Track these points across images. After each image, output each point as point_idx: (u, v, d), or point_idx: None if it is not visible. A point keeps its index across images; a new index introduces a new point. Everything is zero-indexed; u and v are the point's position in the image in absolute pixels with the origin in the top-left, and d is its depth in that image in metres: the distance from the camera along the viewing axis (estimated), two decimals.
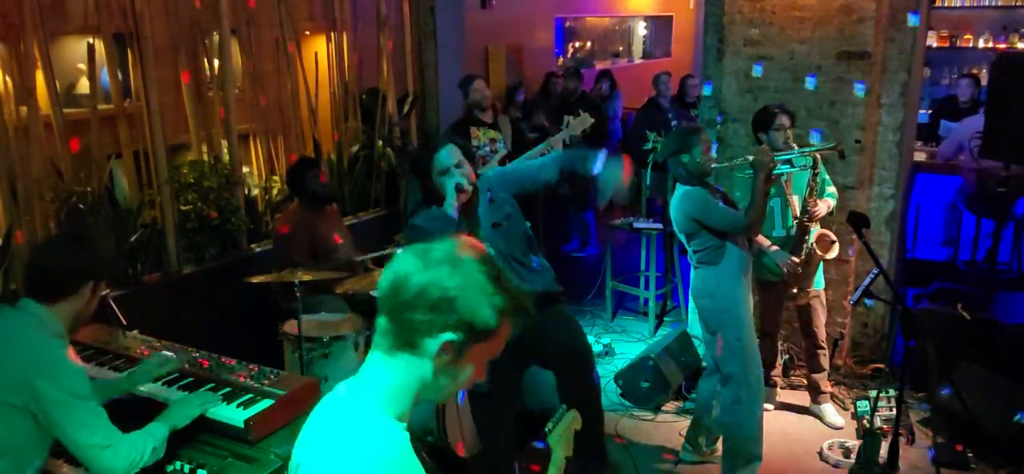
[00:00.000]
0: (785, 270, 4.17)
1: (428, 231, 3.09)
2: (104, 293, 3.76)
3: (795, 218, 4.19)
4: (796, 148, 4.17)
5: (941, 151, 6.63)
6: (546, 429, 2.19)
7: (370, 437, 1.36)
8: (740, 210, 3.77)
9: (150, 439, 2.46)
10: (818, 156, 4.07)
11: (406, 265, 1.37)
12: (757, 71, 4.92)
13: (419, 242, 1.43)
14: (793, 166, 4.10)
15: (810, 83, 4.79)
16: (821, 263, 4.31)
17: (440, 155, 3.20)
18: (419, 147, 3.44)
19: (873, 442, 3.76)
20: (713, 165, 3.78)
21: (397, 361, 1.40)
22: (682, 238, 3.86)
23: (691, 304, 5.52)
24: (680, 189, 3.78)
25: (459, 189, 3.15)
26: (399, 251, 1.42)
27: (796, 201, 4.22)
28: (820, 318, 4.46)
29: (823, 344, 4.52)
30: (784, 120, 4.17)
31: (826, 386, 4.61)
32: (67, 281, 2.41)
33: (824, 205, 4.19)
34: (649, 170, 6.10)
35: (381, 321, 1.40)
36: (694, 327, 5.47)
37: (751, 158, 3.78)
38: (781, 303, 4.50)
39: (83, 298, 2.44)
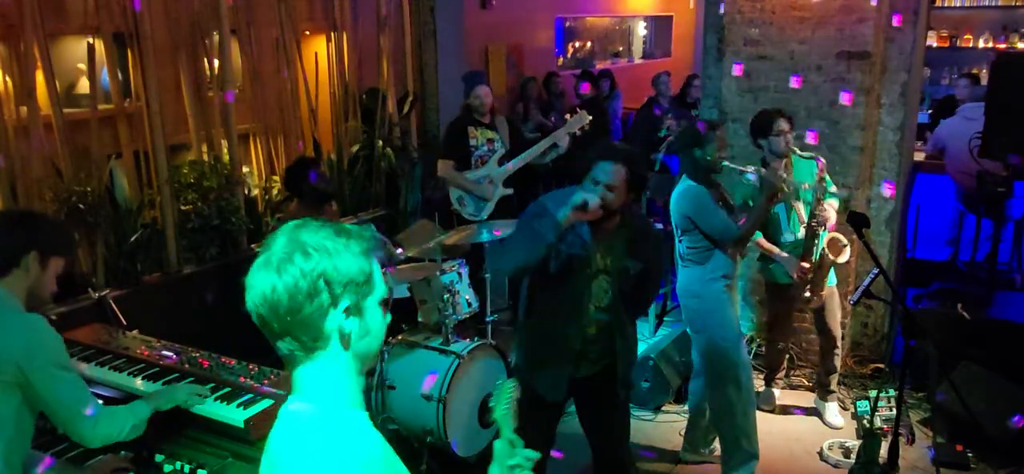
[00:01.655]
0: (796, 277, 4.15)
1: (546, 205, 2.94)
2: (104, 293, 3.81)
3: (802, 223, 4.16)
4: (797, 151, 4.13)
5: (926, 147, 6.65)
6: (490, 405, 2.14)
7: (345, 438, 1.37)
8: (735, 218, 3.72)
9: (130, 415, 2.50)
10: (823, 162, 4.02)
11: (262, 282, 1.35)
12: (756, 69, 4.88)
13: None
14: (806, 200, 4.06)
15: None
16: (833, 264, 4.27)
17: (600, 167, 2.91)
18: (583, 153, 3.19)
19: (873, 442, 3.76)
20: (724, 163, 3.70)
21: (320, 361, 1.40)
22: (676, 231, 3.83)
23: None
24: (684, 183, 3.74)
25: (582, 206, 2.84)
26: (248, 275, 1.39)
27: (800, 206, 4.19)
28: (835, 315, 4.42)
29: (838, 343, 4.48)
30: (783, 124, 4.09)
31: (834, 385, 4.59)
32: (7, 254, 2.42)
33: (830, 208, 4.14)
34: (656, 165, 6.10)
35: (281, 345, 1.40)
36: None
37: (763, 173, 3.74)
38: (794, 307, 4.48)
39: (30, 272, 2.44)
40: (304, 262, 1.34)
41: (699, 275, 3.75)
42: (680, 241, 3.81)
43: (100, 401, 2.49)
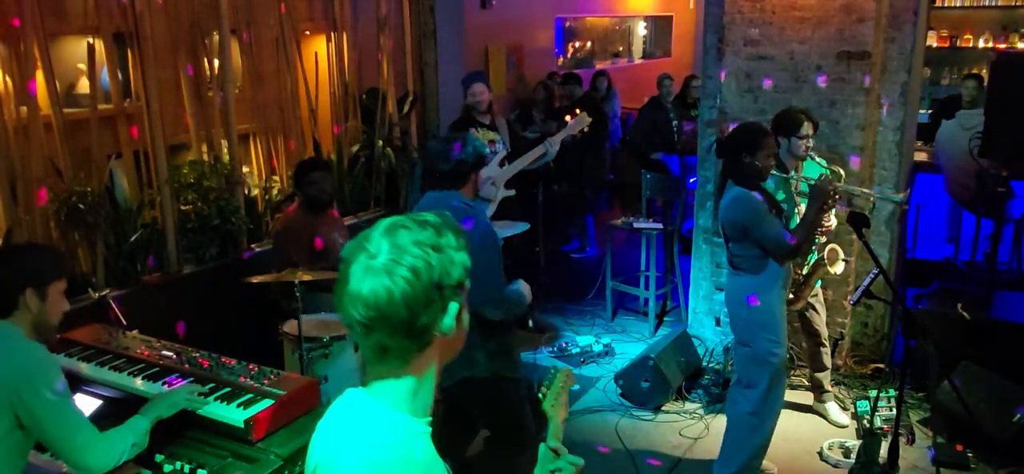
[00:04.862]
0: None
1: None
2: (104, 293, 3.81)
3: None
4: (816, 158, 4.10)
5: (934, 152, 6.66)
6: (540, 395, 2.15)
7: (398, 443, 1.32)
8: (784, 223, 3.64)
9: (130, 434, 2.48)
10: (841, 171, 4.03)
11: (374, 289, 1.25)
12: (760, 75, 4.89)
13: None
14: (853, 203, 4.02)
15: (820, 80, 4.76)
16: None
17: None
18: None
19: (873, 442, 3.76)
20: (772, 172, 3.65)
21: (412, 364, 1.34)
22: (723, 237, 3.76)
23: (691, 304, 5.54)
24: (734, 190, 3.60)
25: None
26: (351, 282, 1.28)
27: (803, 205, 4.18)
28: (820, 316, 4.45)
29: (825, 342, 4.50)
30: (809, 128, 4.02)
31: (829, 385, 4.60)
32: (3, 298, 2.38)
33: (833, 218, 4.11)
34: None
35: (385, 341, 1.29)
36: (694, 327, 5.47)
37: (812, 182, 3.68)
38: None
39: (30, 309, 2.40)
40: (417, 265, 1.26)
41: (753, 284, 3.63)
42: (730, 248, 3.70)
43: (96, 428, 2.44)
